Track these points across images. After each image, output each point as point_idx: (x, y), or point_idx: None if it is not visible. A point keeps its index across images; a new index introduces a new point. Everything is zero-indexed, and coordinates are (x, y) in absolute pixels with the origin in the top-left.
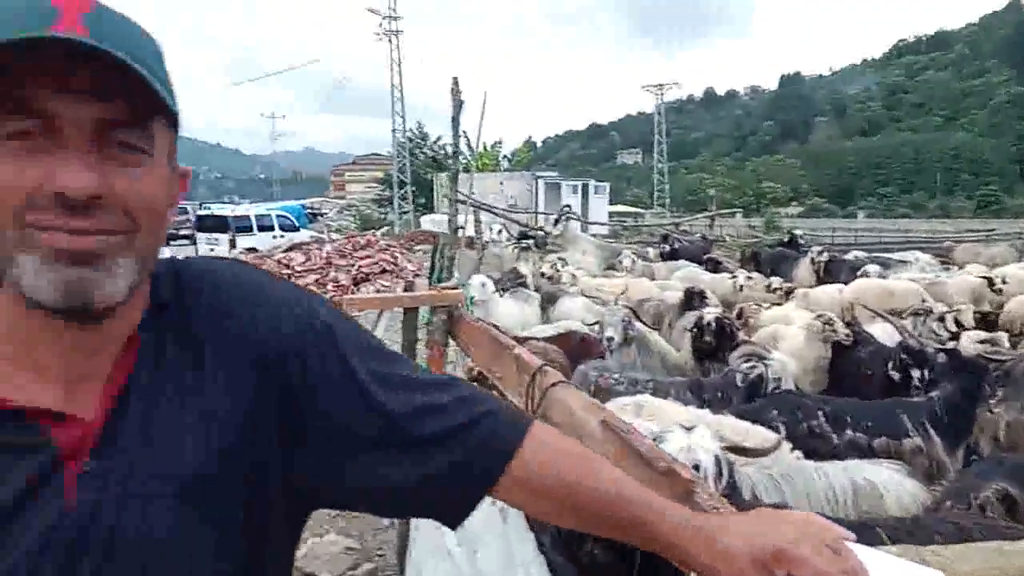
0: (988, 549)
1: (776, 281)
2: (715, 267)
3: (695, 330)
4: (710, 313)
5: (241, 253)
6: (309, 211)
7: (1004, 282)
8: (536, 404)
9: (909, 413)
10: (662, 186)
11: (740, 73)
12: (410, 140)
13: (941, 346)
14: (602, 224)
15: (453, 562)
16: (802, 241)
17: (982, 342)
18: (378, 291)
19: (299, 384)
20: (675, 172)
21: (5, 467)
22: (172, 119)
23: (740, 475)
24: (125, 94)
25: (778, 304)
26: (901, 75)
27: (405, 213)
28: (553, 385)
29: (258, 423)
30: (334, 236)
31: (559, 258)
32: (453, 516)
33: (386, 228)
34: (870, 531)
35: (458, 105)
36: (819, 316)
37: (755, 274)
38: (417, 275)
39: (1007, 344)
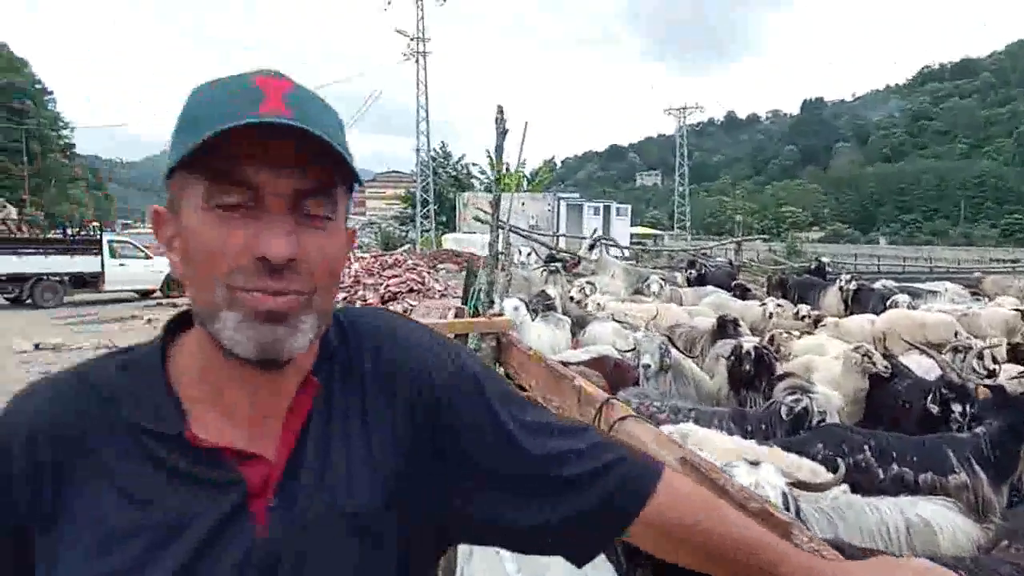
0: None
1: (804, 309)
2: (743, 293)
3: (732, 359)
4: (748, 342)
5: None
6: None
7: None
8: None
9: (954, 449)
10: (682, 208)
11: (762, 97)
12: (433, 159)
13: (984, 381)
14: (623, 247)
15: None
16: (829, 268)
17: (1017, 376)
18: (405, 310)
19: (450, 429)
20: (695, 194)
21: (204, 501)
22: (350, 184)
23: (806, 514)
24: (318, 166)
25: (808, 332)
26: (926, 102)
27: (427, 231)
28: (622, 419)
29: (413, 465)
30: (358, 253)
31: (587, 282)
32: (583, 556)
33: (407, 246)
34: None
35: (502, 134)
36: (857, 348)
37: (783, 301)
38: (444, 295)
39: None
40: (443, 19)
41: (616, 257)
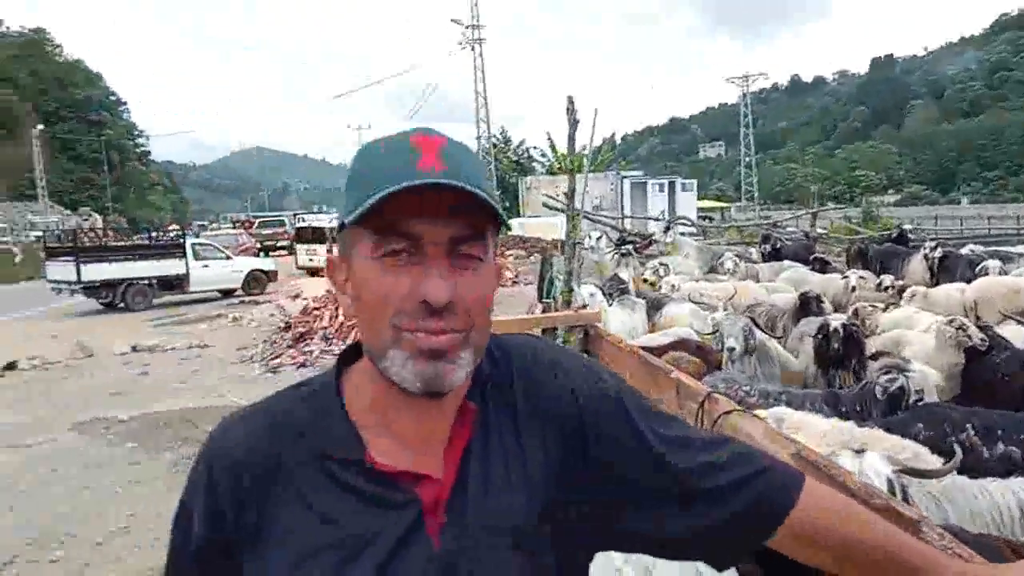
0: None
1: (887, 279)
2: (823, 267)
3: (820, 337)
4: (835, 320)
5: None
6: None
7: None
8: None
9: None
10: (749, 179)
11: (827, 58)
12: (494, 145)
13: None
14: (690, 224)
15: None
16: (912, 236)
17: None
18: None
19: (595, 448)
20: (761, 163)
21: (385, 520)
22: (498, 225)
23: (913, 500)
24: (471, 214)
25: (893, 304)
26: (1005, 52)
27: None
28: (727, 413)
29: (564, 482)
30: None
31: (661, 263)
32: (726, 562)
33: None
34: None
35: (574, 124)
36: (950, 320)
37: (865, 272)
38: (515, 282)
39: None
40: (496, 2)
41: (685, 235)
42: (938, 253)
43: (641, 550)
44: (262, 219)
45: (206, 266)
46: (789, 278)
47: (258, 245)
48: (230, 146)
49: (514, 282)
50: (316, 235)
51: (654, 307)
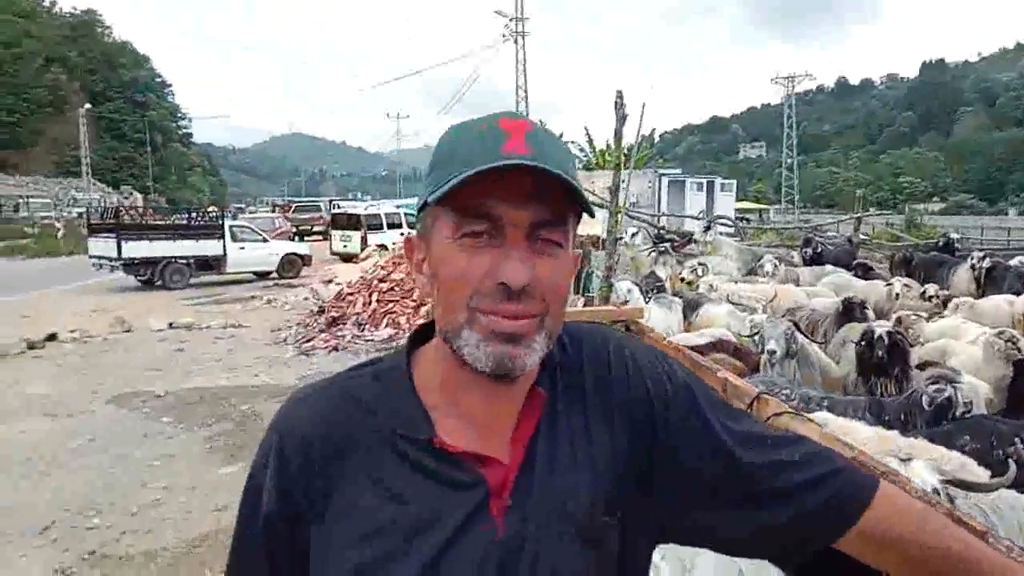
0: None
1: (931, 289)
2: (865, 273)
3: (864, 344)
4: (880, 327)
5: (373, 249)
6: None
7: None
8: None
9: None
10: (790, 181)
11: (875, 62)
12: None
13: None
14: (728, 224)
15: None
16: (958, 245)
17: None
18: None
19: (663, 439)
20: (803, 166)
21: (451, 500)
22: (579, 213)
23: (959, 509)
24: (553, 199)
25: (936, 314)
26: None
27: None
28: (777, 415)
29: (631, 473)
30: None
31: (699, 263)
32: (792, 561)
33: None
34: None
35: (622, 119)
36: (1000, 332)
37: (909, 280)
38: None
39: None
40: None
41: (724, 235)
42: (986, 264)
43: (706, 545)
44: (298, 204)
45: (243, 248)
46: (831, 283)
47: (293, 229)
48: (269, 131)
49: None
50: (351, 222)
51: (691, 307)
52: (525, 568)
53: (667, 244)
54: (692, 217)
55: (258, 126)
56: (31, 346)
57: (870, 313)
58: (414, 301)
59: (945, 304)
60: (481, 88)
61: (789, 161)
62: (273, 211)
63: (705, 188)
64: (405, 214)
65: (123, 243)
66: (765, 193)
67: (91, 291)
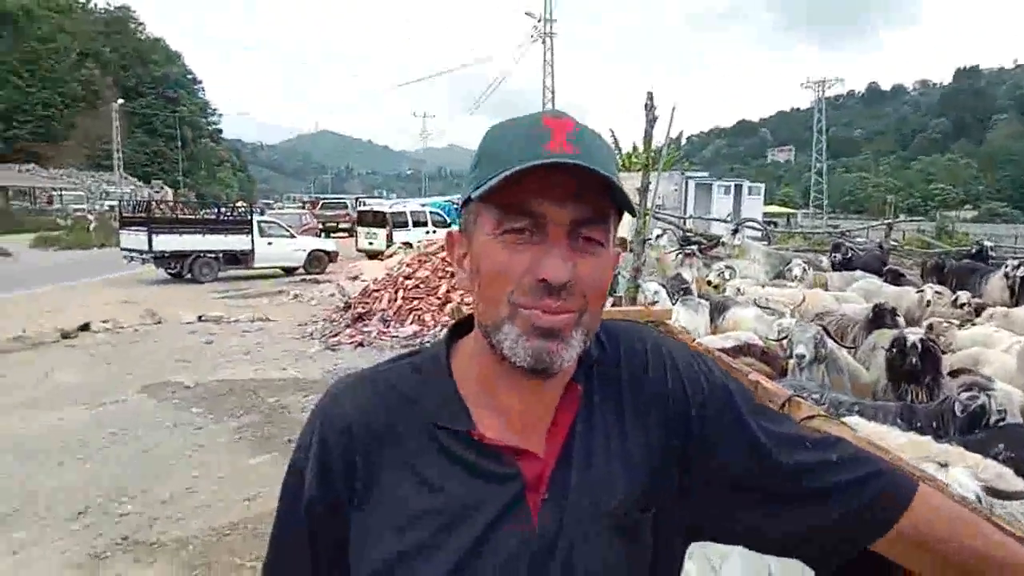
0: None
1: (964, 296)
2: (896, 279)
3: (896, 351)
4: (913, 334)
5: (399, 247)
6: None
7: None
8: None
9: None
10: (819, 186)
11: (908, 67)
12: None
13: None
14: (757, 228)
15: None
16: (992, 253)
17: None
18: None
19: (699, 438)
20: (832, 171)
21: (487, 492)
22: (620, 212)
23: (1003, 518)
24: (595, 198)
25: (968, 321)
26: None
27: None
28: (810, 418)
29: (666, 471)
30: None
31: (727, 266)
32: (828, 563)
33: None
34: None
35: (652, 120)
36: None
37: (941, 288)
38: None
39: None
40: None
41: (751, 239)
42: (1021, 272)
43: (743, 543)
44: (325, 200)
45: (270, 243)
46: (861, 288)
47: (320, 226)
48: (296, 128)
49: None
50: (377, 219)
51: (718, 309)
52: (559, 561)
53: (694, 247)
54: (719, 220)
55: (285, 124)
56: (64, 335)
57: (900, 320)
58: (439, 298)
59: (978, 312)
60: (508, 88)
61: (819, 166)
62: (303, 208)
63: (732, 191)
64: (430, 212)
65: (154, 236)
66: (793, 198)
67: (122, 283)
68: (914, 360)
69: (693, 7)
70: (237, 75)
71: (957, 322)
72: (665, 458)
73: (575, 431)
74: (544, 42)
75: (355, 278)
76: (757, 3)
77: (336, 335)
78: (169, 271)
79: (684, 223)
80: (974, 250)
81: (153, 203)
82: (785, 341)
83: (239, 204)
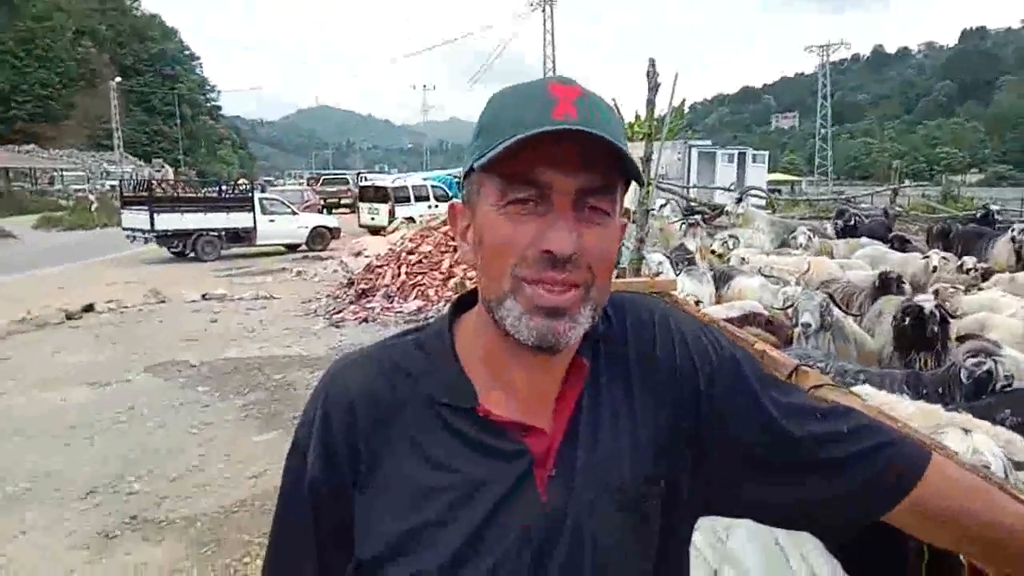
0: None
1: (970, 262)
2: (902, 245)
3: (906, 319)
4: (927, 301)
5: (401, 222)
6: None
7: None
8: None
9: None
10: (823, 152)
11: (913, 30)
12: None
13: None
14: (761, 196)
15: (693, 547)
16: (999, 217)
17: None
18: None
19: (709, 412)
20: (837, 137)
21: (495, 469)
22: (628, 181)
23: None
24: (602, 166)
25: (974, 287)
26: None
27: None
28: (817, 387)
29: (672, 445)
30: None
31: (731, 235)
32: (839, 535)
33: None
34: None
35: (654, 88)
36: None
37: (947, 254)
38: None
39: None
40: None
41: (755, 207)
42: None
43: (754, 517)
44: (326, 176)
45: (272, 220)
46: (866, 255)
47: (322, 202)
48: (296, 104)
49: None
50: (379, 194)
51: (722, 279)
52: (568, 538)
53: (698, 216)
54: (723, 189)
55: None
56: (69, 316)
57: (907, 287)
58: (442, 273)
59: (984, 277)
60: (509, 57)
61: (823, 132)
62: (304, 184)
63: (736, 160)
64: (432, 186)
65: (156, 215)
66: (797, 165)
67: (125, 263)
68: (935, 328)
69: None
70: (235, 51)
71: (963, 287)
72: (674, 434)
73: (581, 406)
74: (544, 10)
75: (358, 254)
76: None
77: (340, 311)
78: (172, 250)
79: (688, 193)
80: (980, 214)
81: (154, 182)
82: (790, 310)
83: (240, 182)
